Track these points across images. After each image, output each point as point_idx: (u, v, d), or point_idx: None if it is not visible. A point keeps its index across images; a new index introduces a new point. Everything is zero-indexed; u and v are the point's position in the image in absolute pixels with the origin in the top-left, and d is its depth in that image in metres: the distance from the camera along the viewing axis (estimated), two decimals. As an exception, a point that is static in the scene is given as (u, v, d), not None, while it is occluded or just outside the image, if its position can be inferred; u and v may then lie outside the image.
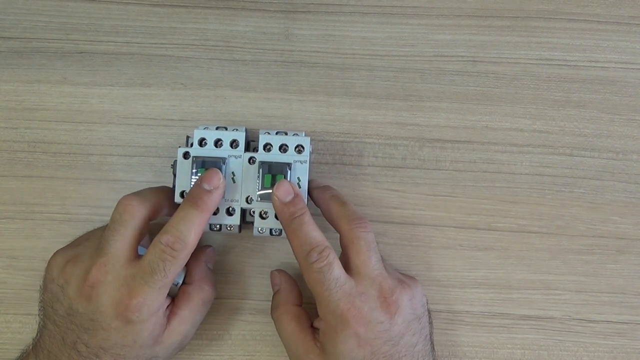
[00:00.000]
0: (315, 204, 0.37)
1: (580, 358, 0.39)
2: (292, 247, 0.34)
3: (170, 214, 0.35)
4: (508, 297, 0.40)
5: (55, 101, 0.41)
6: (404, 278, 0.36)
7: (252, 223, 0.37)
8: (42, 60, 0.41)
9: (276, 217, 0.37)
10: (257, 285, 0.40)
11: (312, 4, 0.42)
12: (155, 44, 0.42)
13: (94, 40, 0.42)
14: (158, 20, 0.42)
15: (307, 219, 0.33)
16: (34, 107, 0.41)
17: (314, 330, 0.34)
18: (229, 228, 0.37)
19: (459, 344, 0.39)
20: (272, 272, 0.38)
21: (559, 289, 0.40)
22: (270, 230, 0.37)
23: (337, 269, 0.32)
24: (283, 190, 0.34)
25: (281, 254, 0.40)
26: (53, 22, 0.42)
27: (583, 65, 0.42)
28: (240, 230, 0.38)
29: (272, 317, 0.36)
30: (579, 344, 0.39)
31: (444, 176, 0.41)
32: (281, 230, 0.37)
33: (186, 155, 0.37)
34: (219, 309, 0.39)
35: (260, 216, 0.37)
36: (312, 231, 0.33)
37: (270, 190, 0.35)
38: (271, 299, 0.37)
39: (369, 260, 0.33)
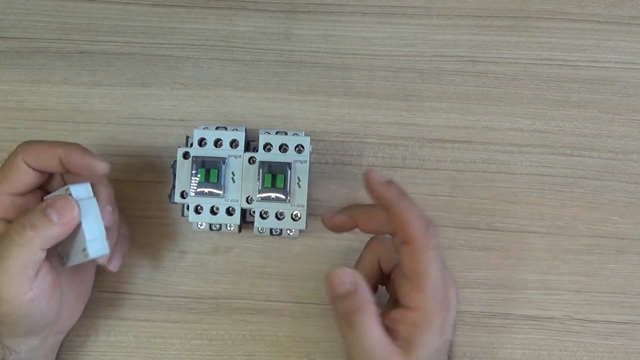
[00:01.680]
0: (374, 197, 0.31)
1: (580, 358, 0.39)
2: (402, 224, 0.30)
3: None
4: (508, 297, 0.40)
5: (55, 101, 0.41)
6: None
7: (252, 223, 0.37)
8: (42, 60, 0.41)
9: (277, 217, 0.37)
10: (257, 285, 0.40)
11: (312, 4, 0.42)
12: (155, 44, 0.42)
13: (94, 40, 0.42)
14: (158, 20, 0.42)
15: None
16: (34, 107, 0.41)
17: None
18: (229, 228, 0.37)
19: (459, 344, 0.39)
20: (340, 270, 0.30)
21: (559, 289, 0.40)
22: (271, 230, 0.37)
23: None
24: (377, 176, 0.31)
25: (281, 254, 0.40)
26: (53, 22, 0.42)
27: (583, 65, 0.42)
28: (240, 230, 0.38)
29: (348, 321, 0.30)
30: (579, 344, 0.39)
31: (444, 176, 0.41)
32: (281, 230, 0.37)
33: (186, 155, 0.37)
34: (219, 309, 0.39)
35: (261, 216, 0.37)
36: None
37: None
38: (335, 302, 0.30)
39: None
